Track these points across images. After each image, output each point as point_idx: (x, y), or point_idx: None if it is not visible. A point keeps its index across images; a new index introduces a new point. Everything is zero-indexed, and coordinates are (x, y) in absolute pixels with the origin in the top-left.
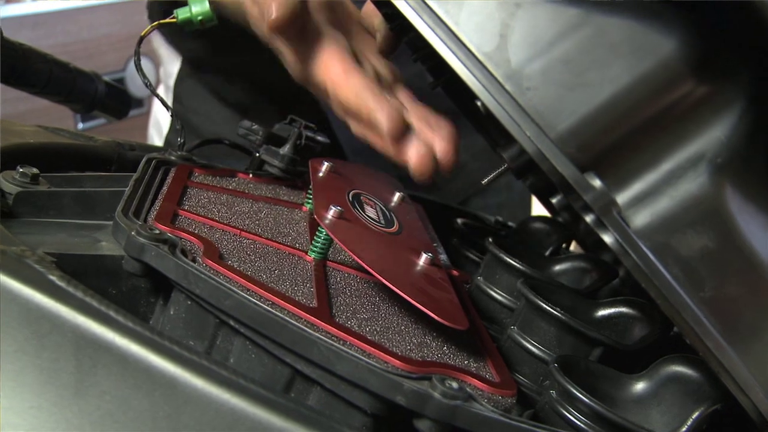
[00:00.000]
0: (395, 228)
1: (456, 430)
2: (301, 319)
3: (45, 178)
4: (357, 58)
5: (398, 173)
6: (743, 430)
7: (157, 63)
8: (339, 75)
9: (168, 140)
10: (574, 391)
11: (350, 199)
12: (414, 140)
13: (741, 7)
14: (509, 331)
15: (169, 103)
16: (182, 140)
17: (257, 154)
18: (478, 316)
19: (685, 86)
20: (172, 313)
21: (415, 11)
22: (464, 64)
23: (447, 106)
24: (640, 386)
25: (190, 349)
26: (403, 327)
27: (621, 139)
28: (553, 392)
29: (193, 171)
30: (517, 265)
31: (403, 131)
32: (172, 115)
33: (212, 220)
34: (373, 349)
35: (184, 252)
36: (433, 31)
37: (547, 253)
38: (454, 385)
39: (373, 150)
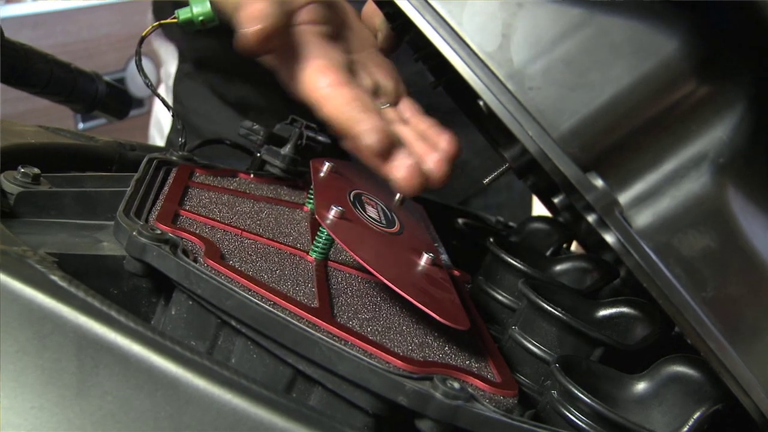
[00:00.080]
0: (396, 228)
1: (457, 431)
2: (303, 319)
3: (46, 178)
4: (353, 68)
5: None
6: (744, 430)
7: (157, 63)
8: (323, 90)
9: (170, 140)
10: (576, 391)
11: (351, 199)
12: (401, 155)
13: (742, 7)
14: (510, 332)
15: (170, 103)
16: (183, 140)
17: (258, 154)
18: (480, 317)
19: (686, 86)
20: (173, 313)
21: (417, 11)
22: (466, 64)
23: (448, 105)
24: (641, 386)
25: (191, 349)
26: (404, 327)
27: (623, 139)
28: (554, 392)
29: (195, 171)
30: (518, 265)
31: (387, 146)
32: (173, 115)
33: (213, 220)
34: (374, 349)
35: (185, 252)
36: (436, 30)
37: (548, 253)
38: (456, 385)
39: None
